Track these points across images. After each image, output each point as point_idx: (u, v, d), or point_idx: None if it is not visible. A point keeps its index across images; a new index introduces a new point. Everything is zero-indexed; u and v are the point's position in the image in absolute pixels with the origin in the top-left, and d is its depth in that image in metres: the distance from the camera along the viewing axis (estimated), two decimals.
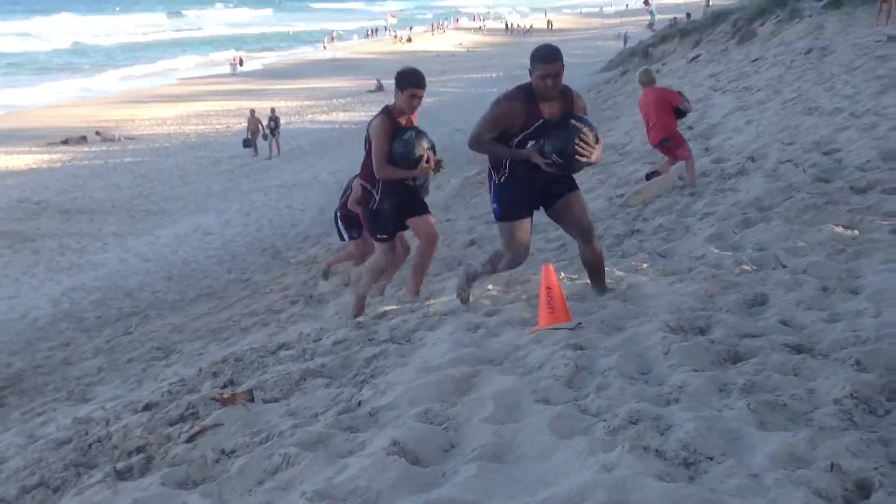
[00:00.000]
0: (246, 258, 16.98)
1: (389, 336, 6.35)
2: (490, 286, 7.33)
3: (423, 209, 7.40)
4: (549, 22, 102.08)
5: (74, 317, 14.37)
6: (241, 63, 67.86)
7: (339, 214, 10.02)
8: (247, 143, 30.82)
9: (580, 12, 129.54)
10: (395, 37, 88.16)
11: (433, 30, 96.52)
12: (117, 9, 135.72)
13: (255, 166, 28.99)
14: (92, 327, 13.60)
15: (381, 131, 6.92)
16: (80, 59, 70.86)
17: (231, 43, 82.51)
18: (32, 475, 5.09)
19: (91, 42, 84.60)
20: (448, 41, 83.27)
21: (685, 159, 10.38)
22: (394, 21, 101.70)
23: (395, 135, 6.95)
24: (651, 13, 62.34)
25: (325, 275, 10.72)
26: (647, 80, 10.71)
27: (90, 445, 5.55)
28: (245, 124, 31.80)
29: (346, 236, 10.09)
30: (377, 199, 7.26)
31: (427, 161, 6.98)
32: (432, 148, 7.07)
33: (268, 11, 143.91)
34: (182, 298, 14.49)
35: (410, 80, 6.94)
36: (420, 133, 7.03)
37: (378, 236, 7.53)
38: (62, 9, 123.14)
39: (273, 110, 31.47)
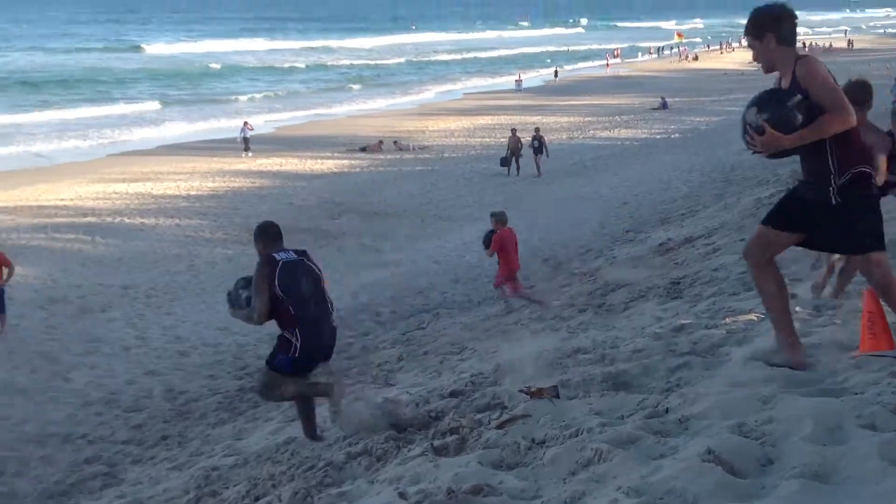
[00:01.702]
0: (529, 267, 17.35)
1: (691, 349, 6.30)
2: (798, 308, 7.05)
3: None
4: (849, 42, 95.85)
5: (371, 310, 15.43)
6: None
7: None
8: (504, 162, 30.79)
9: (884, 32, 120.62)
10: (682, 55, 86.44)
11: (722, 48, 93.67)
12: (413, 27, 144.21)
13: (536, 180, 29.55)
14: (387, 321, 14.55)
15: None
16: (401, 77, 76.23)
17: (518, 62, 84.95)
18: (356, 444, 5.56)
19: (421, 59, 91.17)
20: (737, 59, 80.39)
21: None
22: (680, 40, 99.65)
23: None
24: None
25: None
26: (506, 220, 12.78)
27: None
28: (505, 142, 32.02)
29: None
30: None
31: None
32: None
33: (579, 30, 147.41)
34: (469, 300, 15.12)
35: None
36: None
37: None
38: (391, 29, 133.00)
39: (537, 130, 31.57)
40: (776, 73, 5.07)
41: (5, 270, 15.74)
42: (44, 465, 10.35)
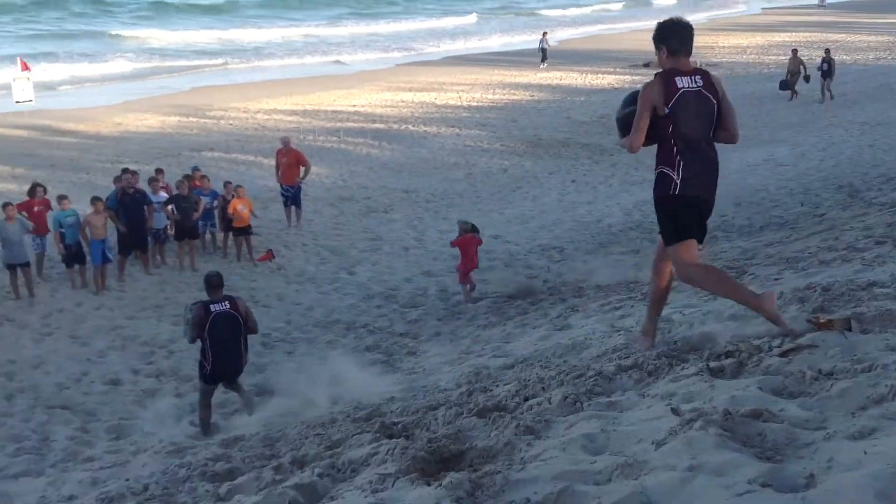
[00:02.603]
0: (820, 193, 16.21)
1: None
2: None
3: None
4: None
5: (644, 228, 15.12)
6: None
7: None
8: (784, 86, 28.37)
9: None
10: None
11: None
12: None
13: (832, 103, 27.28)
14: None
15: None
16: None
17: None
18: (626, 358, 5.49)
19: None
20: None
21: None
22: None
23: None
24: None
25: None
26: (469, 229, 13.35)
27: (675, 342, 5.80)
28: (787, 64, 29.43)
29: None
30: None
31: None
32: None
33: None
34: (750, 224, 14.38)
35: None
36: None
37: None
38: None
39: (827, 52, 28.55)
40: None
41: (302, 169, 16.97)
42: (329, 349, 11.21)
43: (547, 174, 20.25)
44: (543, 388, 5.24)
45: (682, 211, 5.23)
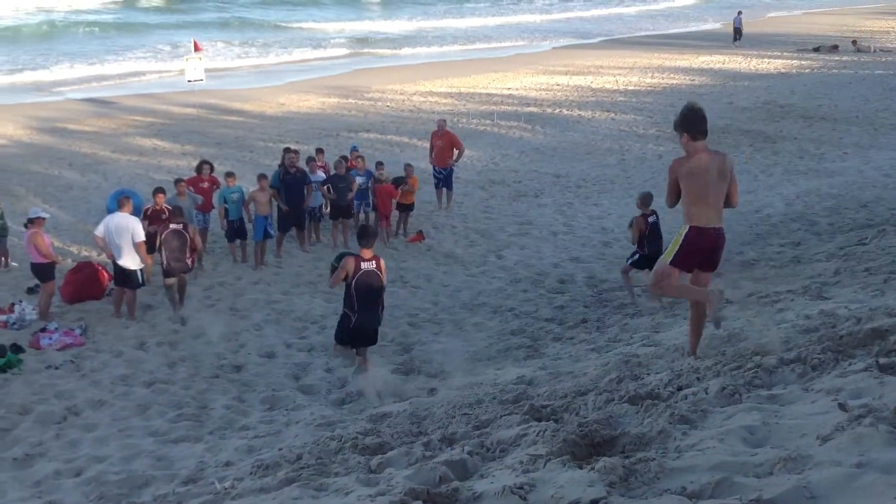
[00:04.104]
0: None
1: None
2: None
3: None
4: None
5: (807, 219, 14.46)
6: None
7: None
8: None
9: None
10: None
11: None
12: None
13: None
14: (823, 232, 13.54)
15: None
16: None
17: None
18: (789, 351, 5.26)
19: None
20: None
21: None
22: None
23: None
24: None
25: None
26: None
27: (841, 337, 5.52)
28: None
29: None
30: None
31: None
32: None
33: None
34: None
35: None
36: None
37: None
38: None
39: None
40: None
41: (455, 152, 17.10)
42: (476, 331, 11.26)
43: None
44: (699, 379, 5.10)
45: (351, 335, 9.44)
